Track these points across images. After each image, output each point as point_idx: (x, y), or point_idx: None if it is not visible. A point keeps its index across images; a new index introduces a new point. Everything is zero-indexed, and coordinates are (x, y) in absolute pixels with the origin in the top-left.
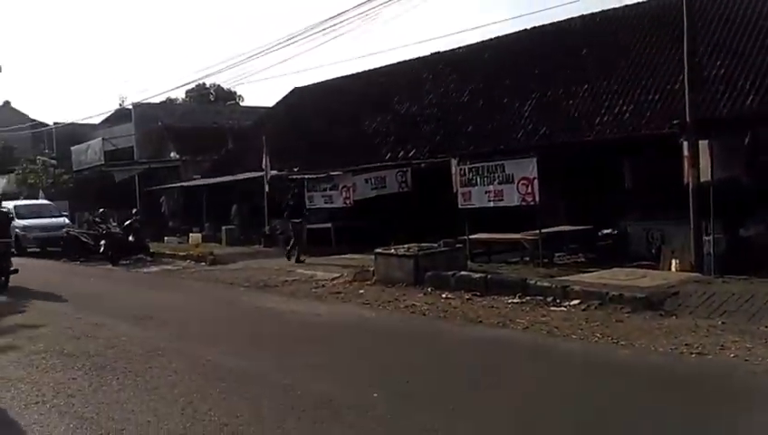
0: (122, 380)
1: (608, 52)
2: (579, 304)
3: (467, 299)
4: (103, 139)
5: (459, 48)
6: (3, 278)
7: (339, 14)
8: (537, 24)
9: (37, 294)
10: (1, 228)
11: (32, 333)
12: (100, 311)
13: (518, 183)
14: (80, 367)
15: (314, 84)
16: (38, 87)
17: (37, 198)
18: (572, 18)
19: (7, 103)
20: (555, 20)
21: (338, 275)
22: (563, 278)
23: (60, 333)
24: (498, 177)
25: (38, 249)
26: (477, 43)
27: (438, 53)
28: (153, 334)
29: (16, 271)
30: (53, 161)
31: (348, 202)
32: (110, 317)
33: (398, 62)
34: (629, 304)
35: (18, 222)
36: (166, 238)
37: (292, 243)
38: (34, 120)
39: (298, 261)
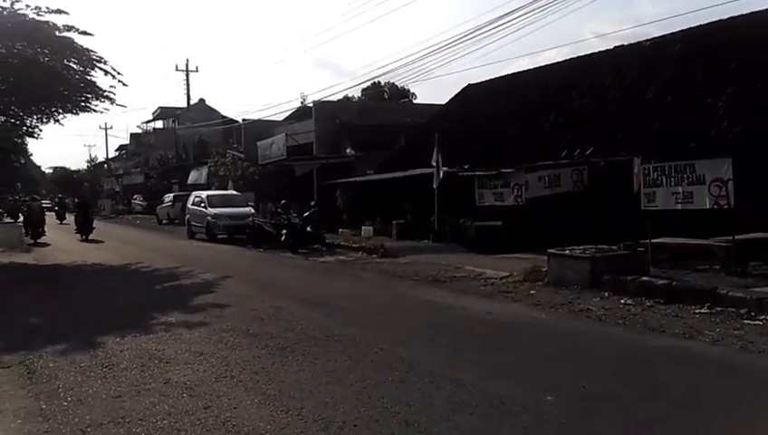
0: (301, 361)
1: None
2: None
3: (648, 306)
4: (286, 134)
5: (645, 41)
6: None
7: (512, 11)
8: (735, 15)
9: (225, 277)
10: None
11: (220, 312)
12: (280, 295)
13: (710, 184)
14: (263, 346)
15: (488, 81)
16: (228, 86)
17: (227, 189)
18: None
19: (202, 101)
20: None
21: (507, 273)
22: (760, 290)
23: (245, 314)
24: (687, 177)
25: (226, 235)
26: (666, 35)
27: (622, 46)
28: (329, 320)
29: None
30: (241, 155)
31: (519, 200)
32: (289, 301)
33: (577, 57)
34: None
35: (209, 210)
36: (340, 230)
37: None
38: (225, 117)
39: None
